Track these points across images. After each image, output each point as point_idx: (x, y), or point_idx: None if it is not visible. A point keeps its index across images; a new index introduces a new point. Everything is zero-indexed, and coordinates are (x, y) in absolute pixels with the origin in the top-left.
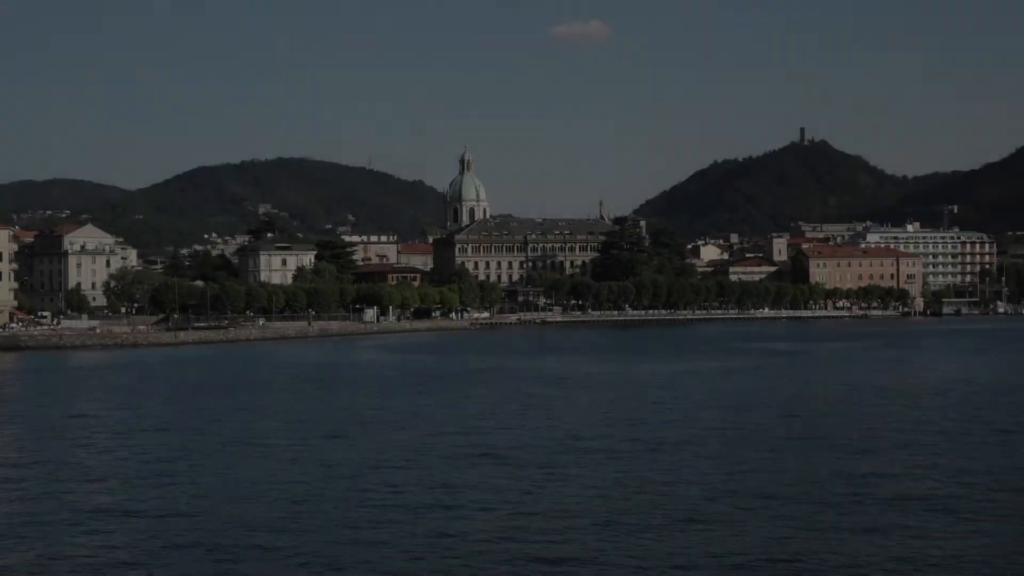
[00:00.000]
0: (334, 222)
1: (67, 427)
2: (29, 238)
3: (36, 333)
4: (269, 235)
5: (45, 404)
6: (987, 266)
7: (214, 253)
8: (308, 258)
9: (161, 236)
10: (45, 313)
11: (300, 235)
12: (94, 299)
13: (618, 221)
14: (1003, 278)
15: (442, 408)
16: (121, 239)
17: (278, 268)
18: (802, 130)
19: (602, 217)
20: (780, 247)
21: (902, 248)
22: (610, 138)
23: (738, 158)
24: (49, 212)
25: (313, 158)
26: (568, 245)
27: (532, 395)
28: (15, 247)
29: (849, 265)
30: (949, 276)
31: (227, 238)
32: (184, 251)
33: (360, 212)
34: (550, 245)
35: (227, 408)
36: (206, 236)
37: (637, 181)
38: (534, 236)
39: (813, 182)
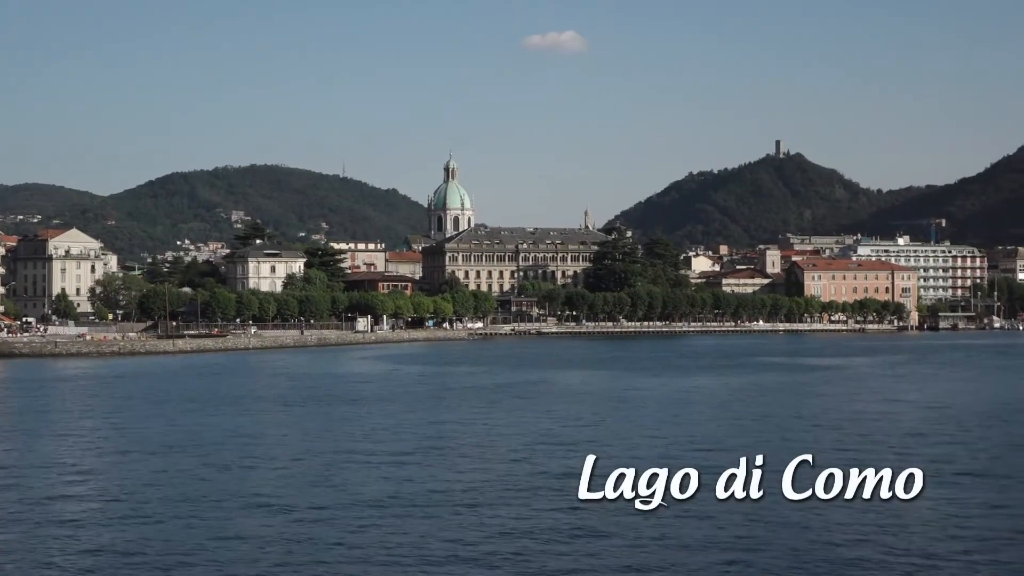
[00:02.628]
0: (307, 230)
1: (114, 442)
2: (11, 242)
3: (30, 340)
4: (258, 241)
5: (85, 417)
6: (978, 280)
7: (187, 260)
8: (297, 265)
9: (133, 242)
10: (30, 319)
11: (280, 242)
12: (78, 305)
13: (610, 231)
14: (995, 293)
15: (526, 425)
16: (102, 244)
17: (267, 275)
18: (777, 143)
19: (586, 227)
20: (773, 259)
21: (893, 261)
22: (585, 149)
23: (713, 170)
24: (20, 217)
25: (286, 165)
26: (560, 255)
27: (611, 411)
28: (1, 250)
29: (844, 278)
30: (940, 290)
31: (200, 245)
32: (159, 257)
33: (334, 220)
34: (541, 255)
35: (302, 426)
36: (179, 243)
37: (613, 192)
38: (525, 246)
39: (788, 195)
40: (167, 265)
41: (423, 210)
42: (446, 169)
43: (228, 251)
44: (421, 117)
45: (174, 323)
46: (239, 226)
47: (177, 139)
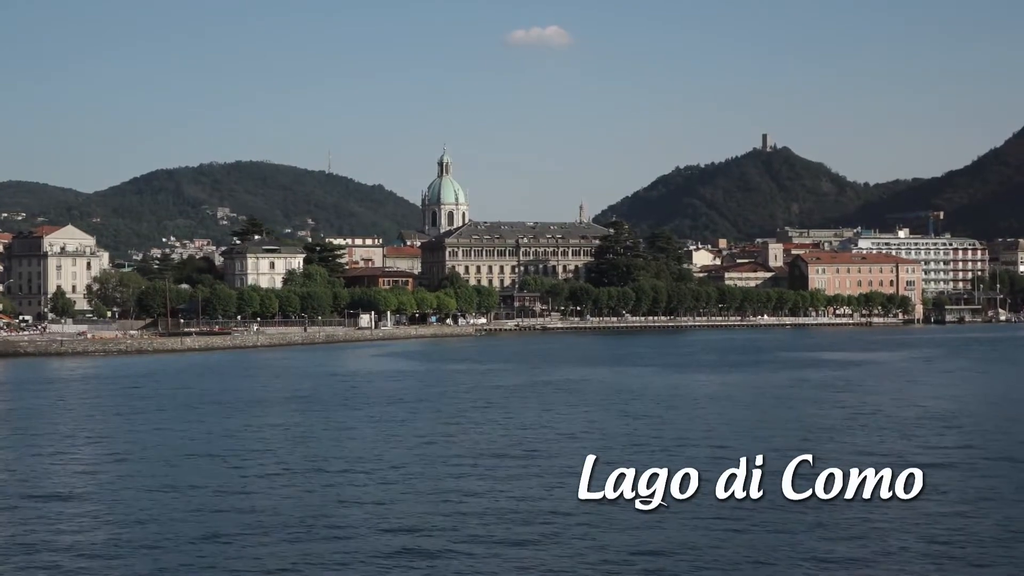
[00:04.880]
0: (293, 226)
1: (173, 448)
2: (4, 239)
3: (33, 339)
4: (256, 237)
5: (126, 421)
6: (980, 273)
7: (174, 256)
8: (296, 261)
9: (119, 239)
10: (27, 317)
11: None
12: (74, 303)
13: (612, 225)
14: (997, 285)
15: (599, 426)
16: (96, 241)
17: (265, 271)
18: (764, 136)
19: (580, 221)
20: (775, 252)
21: (894, 254)
22: (571, 144)
23: (700, 164)
24: (5, 214)
25: (272, 161)
26: (560, 249)
27: (672, 411)
28: (0, 248)
29: (848, 271)
30: (942, 283)
31: (186, 241)
32: (148, 254)
33: (320, 216)
34: (542, 249)
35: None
36: (164, 240)
37: (599, 187)
38: (526, 240)
39: (775, 188)
40: (157, 262)
41: (409, 206)
42: (440, 164)
43: (214, 247)
44: (406, 112)
45: (182, 320)
46: (224, 222)
47: (162, 136)
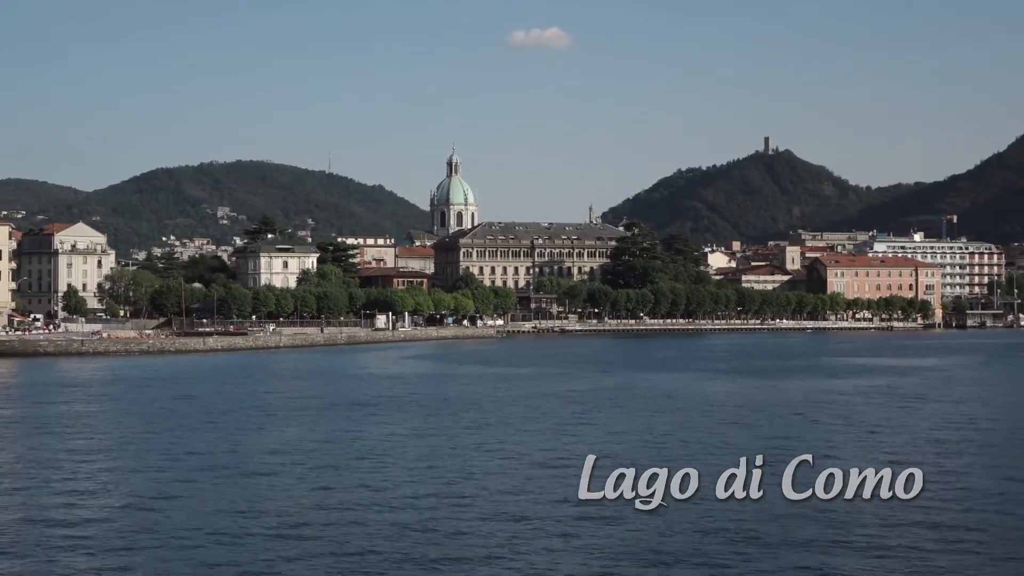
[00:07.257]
0: (293, 226)
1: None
2: (17, 237)
3: (50, 338)
4: (269, 236)
5: (189, 431)
6: (996, 277)
7: (175, 255)
8: (310, 261)
9: (119, 238)
10: (38, 316)
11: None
12: (85, 301)
13: (629, 226)
14: (1015, 290)
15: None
16: (107, 239)
17: (279, 271)
18: (766, 139)
19: (590, 222)
20: (793, 255)
21: (910, 257)
22: (572, 146)
23: (702, 167)
24: (4, 212)
25: (272, 161)
26: (576, 250)
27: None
28: (14, 244)
29: (867, 275)
30: (957, 287)
31: (186, 241)
32: (151, 252)
33: (320, 216)
34: (557, 250)
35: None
36: (164, 239)
37: (601, 188)
38: (541, 241)
39: (777, 192)
40: (161, 261)
41: (409, 206)
42: (449, 164)
43: (214, 247)
44: (406, 113)
45: (204, 321)
46: (225, 222)
47: (162, 134)
